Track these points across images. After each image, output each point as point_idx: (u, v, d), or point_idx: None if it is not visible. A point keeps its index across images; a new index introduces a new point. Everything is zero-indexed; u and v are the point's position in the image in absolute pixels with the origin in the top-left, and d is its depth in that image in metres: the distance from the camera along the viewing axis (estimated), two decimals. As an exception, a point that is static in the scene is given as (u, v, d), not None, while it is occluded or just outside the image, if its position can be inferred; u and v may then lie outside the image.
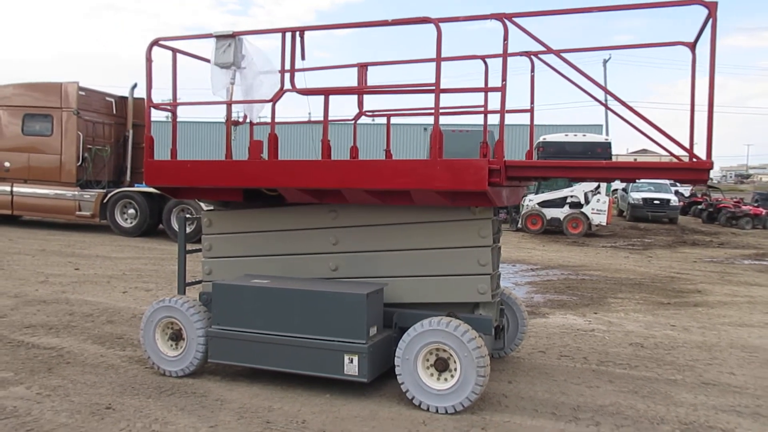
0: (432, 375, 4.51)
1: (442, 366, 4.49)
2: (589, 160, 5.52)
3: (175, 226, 14.82)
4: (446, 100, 5.23)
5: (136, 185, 16.25)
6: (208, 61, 5.48)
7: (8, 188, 15.72)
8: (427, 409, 4.44)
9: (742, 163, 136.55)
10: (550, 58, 4.96)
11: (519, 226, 20.18)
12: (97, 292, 8.55)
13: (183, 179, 5.42)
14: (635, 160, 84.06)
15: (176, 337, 5.23)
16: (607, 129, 39.89)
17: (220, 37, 5.24)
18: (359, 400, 4.64)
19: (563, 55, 4.54)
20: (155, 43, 5.32)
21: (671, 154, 4.40)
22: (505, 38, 4.42)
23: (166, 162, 5.46)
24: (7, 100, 16.02)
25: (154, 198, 15.27)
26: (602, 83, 36.90)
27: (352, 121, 6.35)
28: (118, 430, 4.07)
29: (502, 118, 4.55)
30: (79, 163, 15.34)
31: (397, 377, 4.57)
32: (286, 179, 5.02)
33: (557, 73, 4.88)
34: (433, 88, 4.56)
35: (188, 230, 14.97)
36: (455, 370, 4.44)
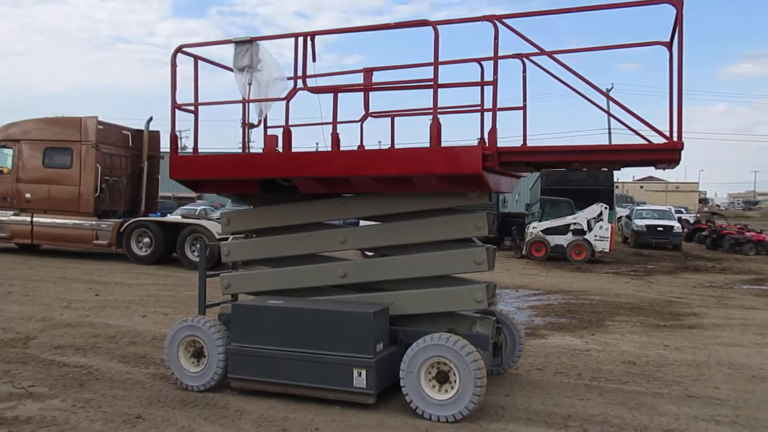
0: (434, 386, 4.93)
1: (442, 378, 4.90)
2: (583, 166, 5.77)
3: (189, 254, 15.34)
4: (446, 99, 5.67)
5: (150, 215, 16.82)
6: (225, 67, 6.11)
7: (29, 218, 16.29)
8: (430, 418, 4.85)
9: (750, 189, 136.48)
10: (544, 63, 5.39)
11: (523, 253, 20.53)
12: (118, 316, 9.01)
13: (205, 172, 5.96)
14: (641, 187, 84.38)
15: (198, 354, 5.67)
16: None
17: (239, 43, 5.83)
18: (367, 410, 5.04)
19: (541, 56, 5.05)
20: (179, 50, 5.90)
21: (646, 139, 4.83)
22: (496, 38, 4.93)
23: (189, 156, 6.00)
24: (28, 134, 16.69)
25: (168, 227, 15.81)
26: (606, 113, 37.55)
27: (359, 122, 6.69)
28: (149, 436, 4.50)
29: (494, 109, 5.03)
30: (97, 193, 15.91)
31: (402, 389, 4.99)
32: (299, 169, 5.53)
33: (549, 74, 5.26)
34: (431, 83, 5.07)
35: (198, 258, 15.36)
36: (455, 381, 4.85)
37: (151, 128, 17.33)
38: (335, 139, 5.78)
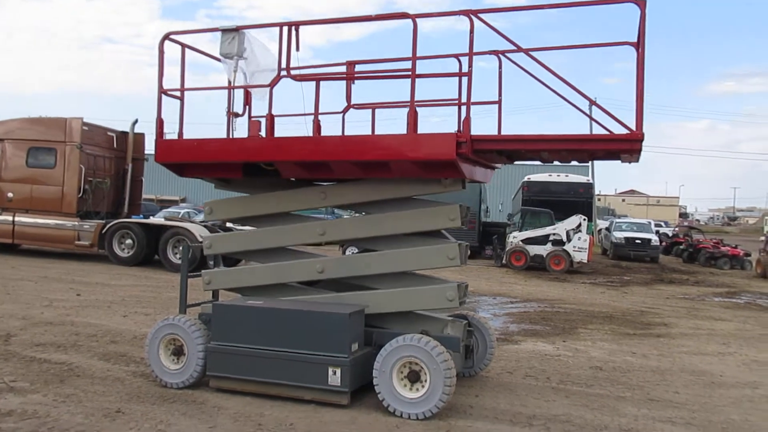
0: (405, 385, 5.13)
1: (414, 377, 5.11)
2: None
3: (171, 256, 15.42)
4: (426, 94, 5.93)
5: (133, 217, 16.88)
6: (211, 56, 6.33)
7: (10, 218, 16.27)
8: (401, 416, 5.05)
9: (730, 205, 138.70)
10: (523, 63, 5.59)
11: (503, 262, 20.84)
12: (99, 315, 9.11)
13: (190, 155, 6.13)
14: (623, 200, 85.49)
15: (178, 352, 5.82)
16: (593, 169, 41.02)
17: (225, 31, 6.05)
18: (341, 408, 5.22)
19: (510, 55, 5.31)
20: (166, 37, 6.09)
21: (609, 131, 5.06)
22: (471, 31, 5.15)
23: (175, 140, 6.16)
24: (12, 133, 16.70)
25: (151, 229, 15.88)
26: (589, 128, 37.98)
27: (342, 113, 6.77)
28: (128, 430, 4.65)
29: (469, 99, 5.26)
30: (80, 194, 15.95)
31: (375, 387, 5.18)
32: (281, 153, 5.74)
33: (525, 72, 5.44)
34: (410, 74, 5.31)
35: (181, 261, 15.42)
36: (425, 381, 5.06)
37: (136, 130, 17.42)
38: (317, 126, 5.97)
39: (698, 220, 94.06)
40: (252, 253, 6.35)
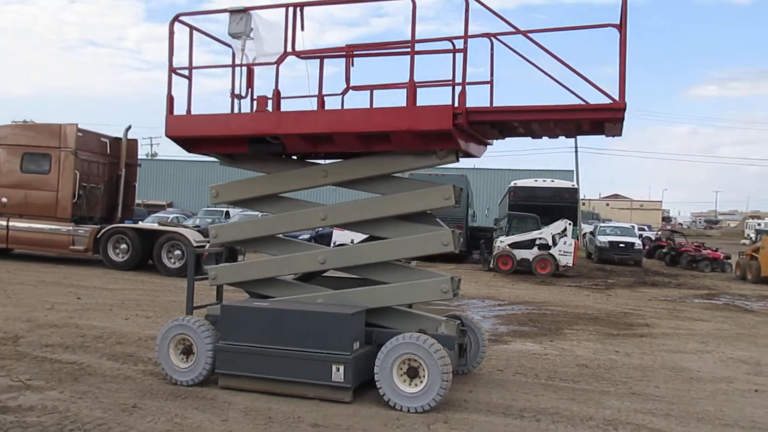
0: (405, 381, 5.48)
1: (413, 373, 5.46)
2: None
3: (165, 260, 15.65)
4: (422, 76, 6.12)
5: (126, 222, 17.09)
6: (218, 40, 6.70)
7: (4, 223, 16.41)
8: (401, 409, 5.40)
9: (712, 209, 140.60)
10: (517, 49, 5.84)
11: (491, 266, 21.26)
12: (102, 318, 9.37)
13: (198, 129, 6.43)
14: (607, 205, 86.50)
15: (187, 351, 6.12)
16: (577, 174, 41.72)
17: (233, 12, 6.38)
18: (344, 403, 5.56)
19: (502, 37, 5.64)
20: (176, 18, 6.42)
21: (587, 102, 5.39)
22: (467, 10, 5.53)
23: (185, 116, 6.44)
24: (6, 139, 16.85)
25: (145, 234, 16.11)
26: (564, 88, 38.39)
27: (341, 95, 6.92)
28: (146, 422, 4.96)
29: (464, 76, 5.58)
30: (75, 199, 16.14)
31: (376, 383, 5.53)
32: (287, 126, 6.05)
33: (515, 53, 5.73)
34: (408, 50, 5.67)
35: (178, 265, 15.81)
36: (424, 376, 5.41)
37: (129, 136, 17.65)
38: (321, 103, 6.27)
39: (681, 224, 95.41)
40: (256, 242, 6.58)
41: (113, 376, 6.24)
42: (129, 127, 17.82)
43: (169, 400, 5.54)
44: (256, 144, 6.30)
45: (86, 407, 5.25)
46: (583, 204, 58.04)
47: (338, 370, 5.53)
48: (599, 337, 9.67)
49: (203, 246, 12.61)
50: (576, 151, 42.07)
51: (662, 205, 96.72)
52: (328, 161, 6.52)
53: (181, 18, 6.46)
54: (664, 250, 30.94)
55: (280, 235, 6.58)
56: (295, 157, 6.72)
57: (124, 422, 4.93)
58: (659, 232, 41.74)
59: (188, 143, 6.69)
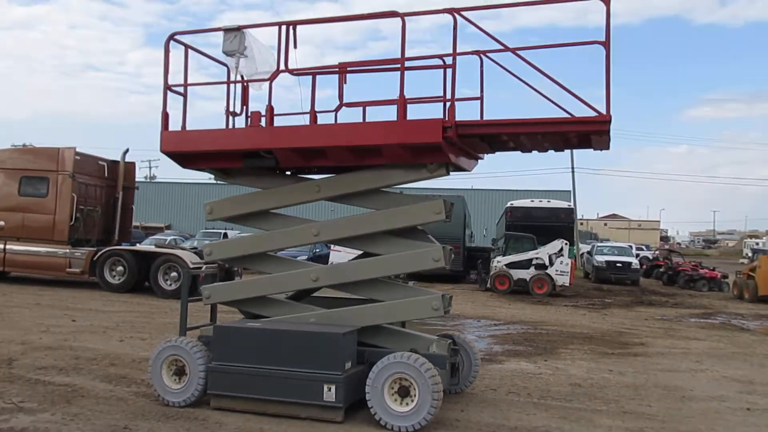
0: (396, 400, 5.50)
1: (404, 392, 5.48)
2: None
3: (162, 282, 15.66)
4: (412, 92, 6.18)
5: (123, 244, 17.12)
6: (212, 58, 6.86)
7: (1, 246, 16.44)
8: (392, 428, 5.41)
9: (710, 228, 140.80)
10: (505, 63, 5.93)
11: (488, 286, 21.26)
12: (96, 340, 9.37)
13: (193, 145, 6.52)
14: (605, 224, 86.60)
15: (180, 372, 6.14)
16: (574, 194, 41.84)
17: (227, 30, 6.54)
18: (335, 423, 5.56)
19: (490, 55, 5.76)
20: (171, 37, 6.55)
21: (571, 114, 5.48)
22: (455, 28, 5.64)
23: (180, 131, 6.53)
24: (4, 162, 16.96)
25: (142, 256, 16.14)
26: (570, 154, 37.94)
27: (334, 111, 6.97)
28: (137, 444, 4.96)
29: (453, 91, 5.69)
30: (72, 222, 16.19)
31: (367, 402, 5.54)
32: (280, 141, 6.14)
33: (505, 70, 5.83)
34: (398, 66, 5.82)
35: (175, 287, 15.76)
36: (415, 395, 5.43)
37: (126, 160, 17.77)
38: (313, 117, 6.36)
39: (679, 244, 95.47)
40: (249, 259, 6.63)
41: (106, 398, 6.24)
42: (126, 150, 17.94)
43: (161, 421, 5.55)
44: (249, 158, 6.39)
45: (77, 429, 5.26)
46: (581, 224, 58.16)
47: (329, 389, 5.55)
48: (594, 356, 9.68)
49: (200, 268, 12.64)
50: (573, 172, 42.23)
51: (660, 224, 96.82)
52: (321, 176, 6.59)
53: (176, 37, 6.60)
54: (661, 270, 30.92)
55: (274, 253, 6.64)
56: (288, 173, 6.81)
57: (115, 443, 4.94)
58: (656, 252, 41.75)
59: (183, 159, 6.78)
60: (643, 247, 49.89)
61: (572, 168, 42.23)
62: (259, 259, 6.60)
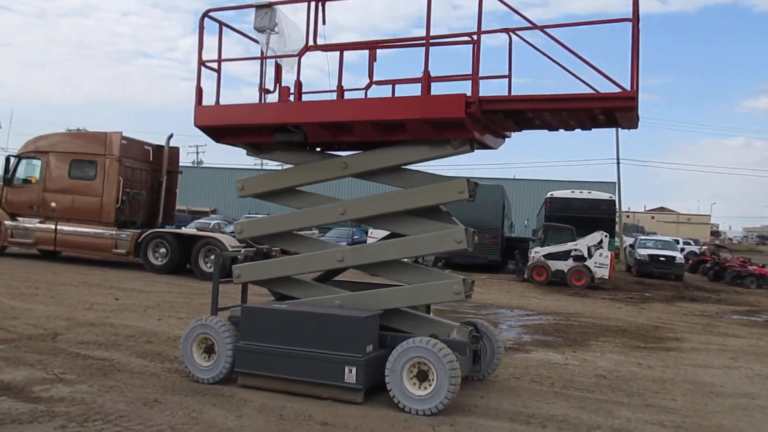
0: (414, 384, 5.61)
1: (422, 376, 5.59)
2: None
3: (202, 265, 16.12)
4: (439, 71, 6.27)
5: (166, 227, 17.66)
6: (244, 35, 7.06)
7: (53, 226, 17.19)
8: (410, 411, 5.53)
9: (765, 224, 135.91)
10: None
11: (525, 276, 21.12)
12: (136, 318, 9.76)
13: (225, 119, 6.73)
14: (652, 218, 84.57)
15: (209, 350, 6.38)
16: (619, 186, 41.01)
17: (259, 7, 6.71)
18: (355, 404, 5.71)
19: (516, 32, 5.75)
20: (206, 14, 6.78)
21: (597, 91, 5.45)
22: (480, 4, 5.64)
23: (212, 106, 6.76)
24: (56, 146, 17.68)
25: (183, 239, 16.64)
26: (615, 144, 37.08)
27: (364, 89, 6.91)
28: (165, 416, 5.22)
29: (478, 64, 5.70)
30: (118, 205, 16.79)
31: (386, 385, 5.67)
32: (308, 115, 6.30)
33: (534, 48, 5.83)
34: (424, 42, 5.92)
35: (212, 268, 16.17)
36: (433, 380, 5.53)
37: (171, 144, 18.27)
38: (340, 91, 6.47)
39: (731, 239, 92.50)
40: (278, 238, 6.85)
41: (140, 373, 6.54)
42: (171, 136, 18.46)
43: (189, 396, 5.79)
44: (279, 133, 6.55)
45: (111, 400, 5.55)
46: (627, 216, 56.92)
47: (350, 371, 5.69)
48: (624, 349, 9.58)
49: (238, 251, 13.00)
50: (618, 162, 41.35)
51: (711, 219, 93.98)
52: (347, 153, 6.71)
53: (210, 14, 6.80)
54: (707, 265, 30.10)
55: (301, 233, 6.84)
56: (318, 150, 6.94)
57: (144, 415, 5.20)
58: (703, 247, 40.60)
59: (216, 133, 6.97)
60: (691, 242, 48.60)
61: (617, 159, 41.36)
62: (288, 239, 6.80)
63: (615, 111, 5.71)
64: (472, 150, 6.13)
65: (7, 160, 18.35)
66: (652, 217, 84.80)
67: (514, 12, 5.77)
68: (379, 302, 6.16)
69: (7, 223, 17.57)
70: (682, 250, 32.64)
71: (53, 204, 17.30)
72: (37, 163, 17.74)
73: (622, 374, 7.70)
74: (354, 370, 5.68)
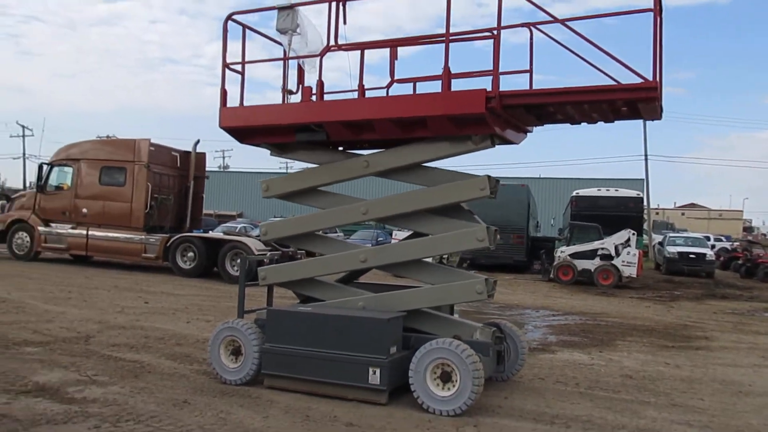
0: (438, 385, 5.65)
1: (446, 377, 5.63)
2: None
3: (229, 268, 16.36)
4: (460, 67, 6.32)
5: (194, 231, 17.96)
6: (268, 37, 7.19)
7: (84, 232, 17.60)
8: (433, 412, 5.58)
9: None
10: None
11: (551, 276, 20.98)
12: (165, 321, 9.97)
13: (249, 119, 6.86)
14: (683, 214, 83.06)
15: (236, 352, 6.51)
16: (647, 183, 40.45)
17: (281, 9, 6.83)
18: (379, 405, 5.78)
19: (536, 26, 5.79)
20: (229, 17, 6.91)
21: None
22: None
23: (237, 107, 6.90)
24: (87, 153, 18.11)
25: (211, 243, 16.90)
26: (642, 139, 36.64)
27: (386, 88, 6.92)
28: (194, 417, 5.34)
29: (498, 59, 5.73)
30: (147, 210, 17.13)
31: (410, 386, 5.72)
32: (329, 114, 6.41)
33: (555, 42, 5.82)
34: (443, 38, 5.99)
35: (238, 272, 16.33)
36: (456, 381, 5.57)
37: (197, 150, 18.57)
38: (361, 90, 6.54)
39: (764, 234, 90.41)
40: (301, 239, 6.95)
41: (170, 374, 6.70)
42: (197, 142, 18.75)
43: (217, 397, 5.92)
44: (301, 133, 6.65)
45: (142, 401, 5.70)
46: (656, 213, 56.07)
47: (374, 372, 5.76)
48: (652, 348, 9.49)
49: (264, 254, 13.18)
50: (646, 159, 40.80)
51: (743, 214, 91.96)
52: (369, 152, 6.78)
53: (233, 17, 6.93)
54: (739, 262, 29.55)
55: (324, 233, 6.95)
56: (340, 149, 7.03)
57: (174, 415, 5.33)
58: (735, 243, 39.80)
59: (240, 134, 7.09)
60: (722, 238, 47.65)
61: (645, 155, 40.81)
62: (312, 240, 6.91)
63: (638, 102, 5.67)
64: (494, 145, 6.13)
65: (40, 167, 18.83)
66: (683, 214, 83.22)
67: (535, 6, 5.78)
68: (401, 303, 6.22)
69: (41, 229, 18.03)
70: (713, 246, 32.05)
71: (85, 210, 17.72)
72: (69, 170, 18.17)
73: (649, 374, 7.64)
74: (378, 371, 5.74)
